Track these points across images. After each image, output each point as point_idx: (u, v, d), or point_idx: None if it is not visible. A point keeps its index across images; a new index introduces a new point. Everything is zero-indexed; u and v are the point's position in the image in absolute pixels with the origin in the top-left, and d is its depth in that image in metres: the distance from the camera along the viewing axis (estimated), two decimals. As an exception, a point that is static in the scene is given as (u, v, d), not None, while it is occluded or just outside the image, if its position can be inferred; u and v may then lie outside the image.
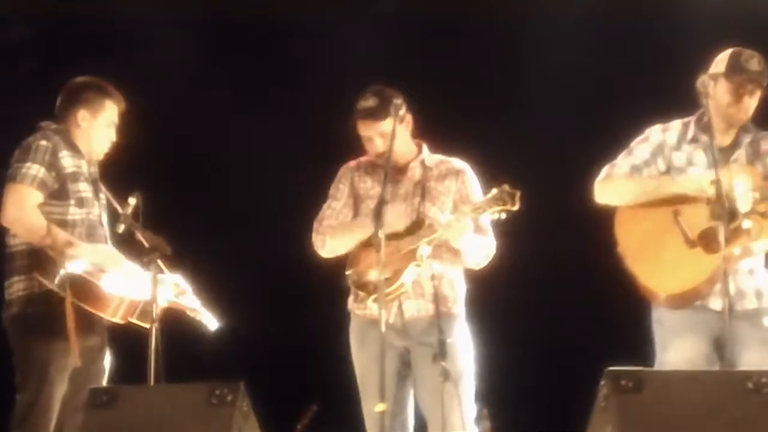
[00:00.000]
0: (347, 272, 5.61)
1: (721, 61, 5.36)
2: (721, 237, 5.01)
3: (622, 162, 5.48)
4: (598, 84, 7.25)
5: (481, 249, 5.65)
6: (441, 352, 5.40)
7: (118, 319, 5.34)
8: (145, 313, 5.30)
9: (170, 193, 6.77)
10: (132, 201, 5.40)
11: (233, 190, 7.59)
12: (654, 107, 5.62)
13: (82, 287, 5.26)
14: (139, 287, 5.36)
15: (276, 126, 7.54)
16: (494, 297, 6.55)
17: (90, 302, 5.27)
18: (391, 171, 5.47)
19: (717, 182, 5.07)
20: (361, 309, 5.62)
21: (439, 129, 5.86)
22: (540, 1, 7.35)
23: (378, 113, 5.61)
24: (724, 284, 5.00)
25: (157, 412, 4.66)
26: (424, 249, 5.48)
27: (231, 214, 7.53)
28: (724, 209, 5.02)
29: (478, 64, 7.44)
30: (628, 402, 4.49)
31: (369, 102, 5.63)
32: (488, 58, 7.44)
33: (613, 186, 5.46)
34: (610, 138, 5.68)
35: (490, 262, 5.72)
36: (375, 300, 5.35)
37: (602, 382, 4.54)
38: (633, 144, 5.51)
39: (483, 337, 5.77)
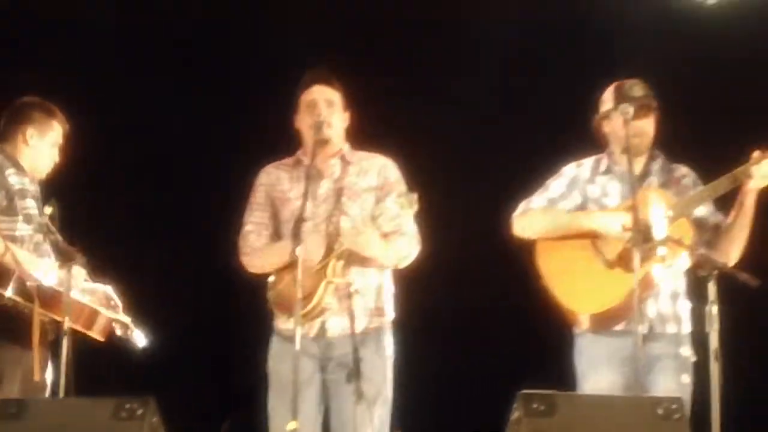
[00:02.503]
0: (268, 290, 5.56)
1: (607, 99, 5.53)
2: (636, 262, 5.07)
3: (538, 198, 5.59)
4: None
5: (395, 251, 5.55)
6: (355, 371, 5.38)
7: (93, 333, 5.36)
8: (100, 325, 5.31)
9: (91, 201, 6.71)
10: (48, 210, 5.40)
11: (150, 198, 7.48)
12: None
13: (52, 298, 5.29)
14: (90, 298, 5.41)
15: (208, 129, 7.46)
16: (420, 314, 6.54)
17: (58, 312, 5.26)
18: (311, 170, 5.48)
19: (634, 208, 5.15)
20: (282, 326, 5.56)
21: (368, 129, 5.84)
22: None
23: (330, 79, 5.62)
24: (638, 309, 5.08)
25: (64, 426, 4.61)
26: (335, 264, 5.43)
27: (150, 220, 7.43)
28: (639, 235, 5.10)
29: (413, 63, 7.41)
30: (540, 425, 4.52)
31: (321, 69, 5.65)
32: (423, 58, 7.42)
33: (529, 220, 5.55)
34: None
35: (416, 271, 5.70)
36: (295, 319, 5.31)
37: (514, 405, 4.56)
38: (548, 181, 5.63)
39: (404, 352, 5.74)
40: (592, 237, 5.42)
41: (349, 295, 5.49)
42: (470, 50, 7.22)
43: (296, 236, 5.24)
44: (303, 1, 7.34)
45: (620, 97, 5.45)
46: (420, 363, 6.33)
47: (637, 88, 5.47)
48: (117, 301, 5.52)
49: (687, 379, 5.35)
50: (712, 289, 4.98)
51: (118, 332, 5.51)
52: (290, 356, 5.19)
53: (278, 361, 5.55)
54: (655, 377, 5.30)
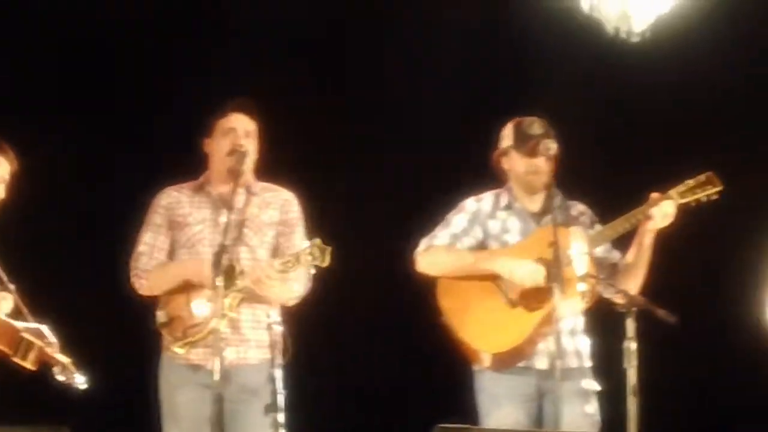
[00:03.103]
0: (157, 313, 5.46)
1: (507, 136, 5.56)
2: (557, 298, 5.12)
3: (441, 233, 5.59)
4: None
5: (288, 293, 5.51)
6: (273, 402, 5.34)
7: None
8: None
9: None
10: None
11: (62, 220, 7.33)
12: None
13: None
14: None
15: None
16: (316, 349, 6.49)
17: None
18: (216, 197, 5.47)
19: (555, 244, 5.20)
20: (177, 351, 5.47)
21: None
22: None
23: (250, 109, 5.57)
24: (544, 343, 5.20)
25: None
26: (233, 298, 5.33)
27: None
28: (559, 271, 5.15)
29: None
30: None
31: (243, 98, 5.59)
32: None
33: (433, 258, 5.55)
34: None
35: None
36: (185, 345, 5.26)
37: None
38: (449, 216, 5.63)
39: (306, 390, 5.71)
40: (495, 276, 5.46)
41: (268, 326, 5.44)
42: (377, 85, 7.20)
43: (217, 263, 5.17)
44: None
45: (519, 135, 5.51)
46: (315, 399, 6.31)
47: (536, 125, 5.52)
48: (52, 339, 5.39)
49: (591, 409, 5.41)
50: (630, 325, 5.02)
51: (59, 376, 5.37)
52: (188, 383, 5.22)
53: (175, 389, 5.46)
54: (559, 411, 5.28)
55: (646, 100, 6.96)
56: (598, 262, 5.46)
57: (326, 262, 5.27)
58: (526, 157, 5.49)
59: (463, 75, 7.13)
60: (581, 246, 5.23)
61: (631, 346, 4.99)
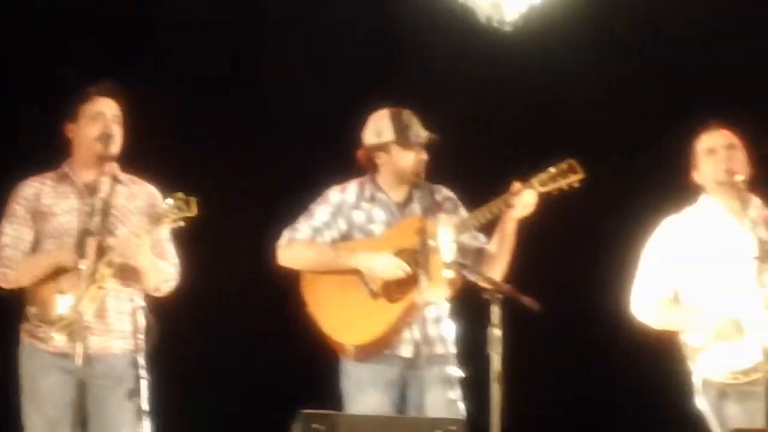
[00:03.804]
0: (29, 304, 5.37)
1: (384, 130, 5.53)
2: (424, 283, 5.18)
3: (302, 226, 5.58)
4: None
5: (160, 273, 5.46)
6: (136, 389, 5.28)
7: None
8: None
9: None
10: None
11: None
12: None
13: None
14: None
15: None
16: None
17: None
18: (81, 186, 5.40)
19: (422, 232, 5.24)
20: (43, 340, 5.35)
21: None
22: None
23: (117, 94, 5.49)
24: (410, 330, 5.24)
25: None
26: (103, 271, 5.27)
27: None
28: (425, 259, 5.20)
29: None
30: (320, 445, 4.51)
31: (108, 83, 5.50)
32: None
33: (293, 253, 5.56)
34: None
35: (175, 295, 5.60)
36: (59, 331, 5.18)
37: (294, 425, 4.53)
38: (312, 206, 5.63)
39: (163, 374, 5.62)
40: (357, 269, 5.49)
41: (132, 311, 5.38)
42: (248, 74, 7.17)
43: (80, 247, 5.14)
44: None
45: (400, 129, 5.51)
46: (181, 386, 6.27)
47: (413, 118, 5.55)
48: None
49: (454, 396, 5.44)
50: (495, 312, 5.04)
51: None
52: (53, 371, 5.18)
53: (38, 378, 5.37)
54: (423, 397, 5.40)
55: (517, 88, 7.01)
56: (463, 249, 5.50)
57: (193, 212, 5.25)
58: (408, 150, 5.51)
59: (334, 63, 7.12)
60: (448, 233, 5.25)
61: (495, 332, 5.01)
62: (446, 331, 5.54)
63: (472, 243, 5.57)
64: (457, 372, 5.50)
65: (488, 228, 5.55)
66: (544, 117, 7.05)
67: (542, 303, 5.04)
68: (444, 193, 5.65)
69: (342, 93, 6.91)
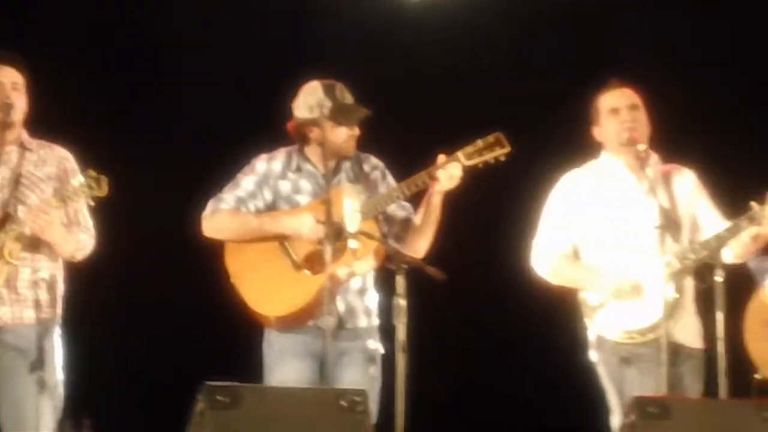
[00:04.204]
0: None
1: (317, 105, 5.46)
2: (328, 256, 5.13)
3: (227, 196, 5.53)
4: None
5: (73, 243, 5.38)
6: (40, 360, 5.23)
7: None
8: None
9: None
10: None
11: None
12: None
13: None
14: None
15: None
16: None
17: None
18: None
19: (327, 202, 5.21)
20: None
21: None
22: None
23: (17, 61, 5.40)
24: (329, 303, 5.13)
25: None
26: (11, 246, 5.22)
27: None
28: (331, 230, 5.15)
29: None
30: (224, 417, 4.48)
31: (7, 51, 5.42)
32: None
33: (217, 222, 5.50)
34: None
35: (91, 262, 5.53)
36: None
37: (198, 397, 4.51)
38: (239, 175, 5.57)
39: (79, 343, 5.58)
40: (281, 239, 5.43)
41: (35, 282, 5.32)
42: (170, 42, 7.10)
43: None
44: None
45: (338, 106, 5.44)
46: (106, 353, 6.23)
47: (346, 93, 5.49)
48: None
49: (374, 371, 5.41)
50: (400, 282, 5.06)
51: None
52: None
53: None
54: (343, 370, 5.37)
55: (435, 60, 7.03)
56: (389, 218, 5.49)
57: (103, 192, 5.19)
58: (341, 126, 5.46)
59: (253, 35, 7.08)
60: (353, 203, 5.24)
61: (401, 302, 5.03)
62: (371, 303, 5.51)
63: (399, 213, 5.54)
64: (378, 347, 5.46)
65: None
66: (466, 89, 7.06)
67: (454, 273, 5.08)
68: (372, 162, 5.61)
69: (268, 62, 6.88)
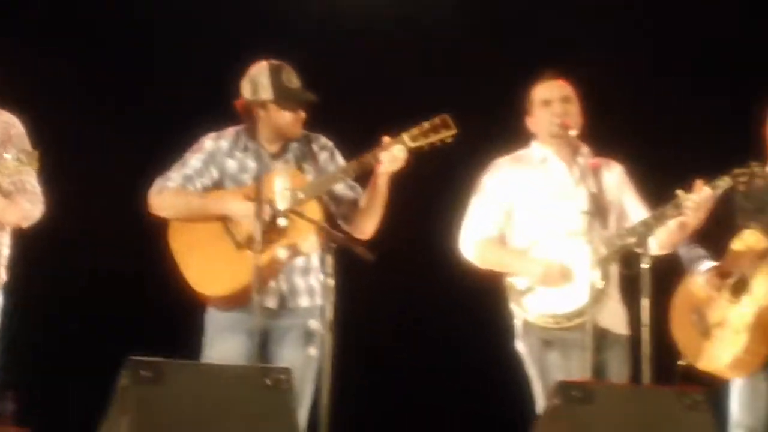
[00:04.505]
0: None
1: (263, 87, 5.45)
2: (257, 235, 5.14)
3: (174, 174, 5.51)
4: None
5: (18, 212, 5.34)
6: None
7: None
8: None
9: None
10: None
11: None
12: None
13: None
14: None
15: None
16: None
17: None
18: None
19: (258, 181, 5.23)
20: None
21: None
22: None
23: None
24: (257, 281, 5.16)
25: None
26: None
27: None
28: (260, 209, 5.18)
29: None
30: (147, 393, 4.45)
31: None
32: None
33: (163, 201, 5.48)
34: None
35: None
36: None
37: (122, 372, 4.48)
38: (187, 154, 5.55)
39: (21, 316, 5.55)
40: (224, 218, 5.42)
41: None
42: (113, 14, 7.06)
43: None
44: None
45: (280, 88, 5.42)
46: (38, 326, 6.19)
47: (293, 77, 5.47)
48: None
49: (313, 351, 5.39)
50: (329, 261, 5.08)
51: None
52: None
53: None
54: (282, 349, 5.39)
55: (385, 43, 7.02)
56: (337, 198, 5.49)
57: (34, 166, 5.14)
58: (286, 110, 5.45)
59: (203, 14, 7.05)
60: (284, 182, 5.23)
61: (329, 282, 5.05)
62: (314, 283, 5.49)
63: (347, 194, 5.52)
64: (316, 325, 5.43)
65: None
66: (416, 68, 7.06)
67: (385, 252, 5.08)
68: (321, 142, 5.59)
69: (218, 41, 6.86)
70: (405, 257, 6.68)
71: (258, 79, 5.47)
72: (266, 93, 5.45)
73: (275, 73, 5.46)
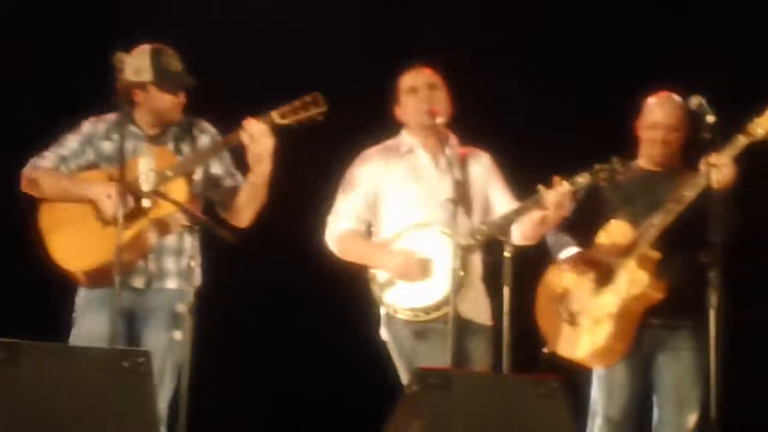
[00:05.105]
0: None
1: (144, 69, 5.41)
2: (120, 216, 5.10)
3: (49, 154, 5.48)
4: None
5: None
6: None
7: None
8: None
9: None
10: None
11: None
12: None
13: None
14: None
15: None
16: None
17: None
18: None
19: (123, 163, 5.17)
20: None
21: None
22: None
23: None
24: (118, 262, 5.08)
25: None
26: None
27: None
28: (124, 189, 5.14)
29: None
30: (1, 374, 4.37)
31: None
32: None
33: (34, 179, 5.44)
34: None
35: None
36: None
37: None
38: (65, 136, 5.52)
39: None
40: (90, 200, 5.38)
41: None
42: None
43: None
44: None
45: (160, 71, 5.39)
46: None
47: (174, 61, 5.44)
48: None
49: (179, 334, 5.31)
50: (194, 243, 5.09)
51: None
52: None
53: None
54: (147, 330, 5.37)
55: (263, 27, 6.98)
56: (214, 183, 5.46)
57: None
58: (166, 93, 5.43)
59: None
60: (149, 163, 5.19)
61: (192, 264, 5.06)
62: (184, 265, 5.42)
63: (227, 181, 5.49)
64: (183, 309, 5.28)
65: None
66: (286, 51, 7.03)
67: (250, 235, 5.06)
68: (202, 126, 5.56)
69: (100, 23, 6.77)
70: (274, 245, 6.65)
71: (139, 62, 5.44)
72: (147, 75, 5.43)
73: (156, 56, 5.44)
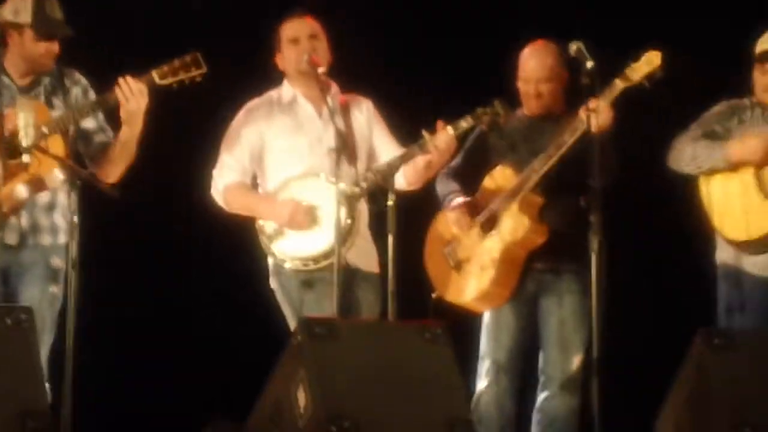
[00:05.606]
0: None
1: (23, 10, 5.32)
2: (-1, 172, 5.02)
3: None
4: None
5: None
6: None
7: None
8: None
9: None
10: None
11: None
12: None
13: None
14: None
15: None
16: None
17: None
18: None
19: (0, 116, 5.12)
20: None
21: None
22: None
23: None
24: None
25: None
26: None
27: None
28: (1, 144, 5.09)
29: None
30: None
31: None
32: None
33: None
34: None
35: None
36: None
37: None
38: None
39: None
40: None
41: None
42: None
43: None
44: None
45: (40, 16, 5.29)
46: None
47: (57, 8, 5.34)
48: None
49: (55, 289, 5.33)
50: (74, 199, 5.00)
51: None
52: None
53: None
54: (23, 286, 5.32)
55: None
56: (86, 138, 5.40)
57: None
58: (41, 40, 5.32)
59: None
60: (28, 118, 5.10)
61: (74, 219, 4.99)
62: (58, 221, 5.38)
63: (99, 137, 5.43)
64: (58, 263, 5.34)
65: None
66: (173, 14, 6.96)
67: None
68: (75, 77, 5.47)
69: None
70: (160, 199, 6.62)
71: (20, 3, 5.33)
72: (26, 17, 5.31)
73: (39, 1, 5.32)
